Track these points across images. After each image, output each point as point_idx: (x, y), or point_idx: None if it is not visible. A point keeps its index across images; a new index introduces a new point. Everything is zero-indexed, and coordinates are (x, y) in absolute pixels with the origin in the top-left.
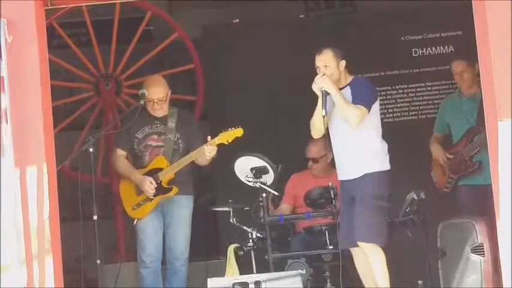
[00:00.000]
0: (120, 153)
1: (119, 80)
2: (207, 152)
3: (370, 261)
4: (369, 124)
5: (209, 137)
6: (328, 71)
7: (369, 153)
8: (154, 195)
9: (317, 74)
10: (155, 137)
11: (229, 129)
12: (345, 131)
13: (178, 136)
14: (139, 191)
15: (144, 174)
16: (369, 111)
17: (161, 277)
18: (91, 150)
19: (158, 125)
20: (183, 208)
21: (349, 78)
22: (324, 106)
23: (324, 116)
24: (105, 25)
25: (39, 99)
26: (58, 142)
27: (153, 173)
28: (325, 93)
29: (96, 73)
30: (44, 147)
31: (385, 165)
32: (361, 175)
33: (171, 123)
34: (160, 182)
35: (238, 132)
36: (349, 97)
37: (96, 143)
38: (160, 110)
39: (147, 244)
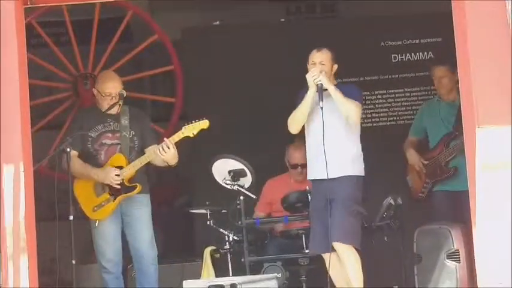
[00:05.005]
0: (73, 153)
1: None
2: (163, 153)
3: (346, 264)
4: (356, 127)
5: (165, 139)
6: (323, 68)
7: (351, 155)
8: (117, 195)
9: (305, 70)
10: (109, 135)
11: (194, 121)
12: (330, 129)
13: (133, 133)
14: (98, 191)
15: None
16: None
17: (123, 281)
18: (68, 150)
19: (111, 123)
20: (143, 206)
21: (335, 82)
22: (321, 98)
23: (321, 108)
24: (84, 25)
25: (17, 98)
26: (35, 141)
27: None
28: (321, 87)
29: (75, 72)
30: (21, 146)
31: (362, 171)
32: (340, 175)
33: (124, 121)
34: (122, 180)
35: (204, 124)
36: None
37: (74, 143)
38: (115, 107)
39: (106, 249)
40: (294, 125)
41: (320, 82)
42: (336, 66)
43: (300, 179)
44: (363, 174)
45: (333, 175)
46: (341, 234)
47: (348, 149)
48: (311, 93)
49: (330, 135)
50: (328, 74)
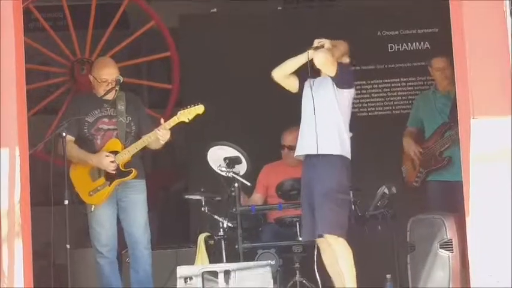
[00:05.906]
0: (69, 138)
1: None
2: (160, 136)
3: (338, 257)
4: (344, 110)
5: (162, 120)
6: (335, 50)
7: (337, 134)
8: (112, 179)
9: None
10: (106, 120)
11: (189, 106)
12: (323, 107)
13: (130, 119)
14: (94, 176)
15: None
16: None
17: (117, 266)
18: (64, 134)
19: (108, 108)
20: (139, 192)
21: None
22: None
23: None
24: (82, 10)
25: (14, 82)
26: (31, 126)
27: None
28: (320, 48)
29: (72, 58)
30: (17, 130)
31: (349, 155)
32: (325, 153)
33: (121, 106)
34: (118, 165)
35: (199, 109)
36: (331, 86)
37: (70, 128)
38: (112, 92)
39: (102, 234)
40: (278, 69)
41: (322, 43)
42: (346, 59)
43: (289, 161)
44: (349, 156)
45: (318, 151)
46: (327, 226)
47: (335, 128)
48: (311, 52)
49: (319, 114)
50: (337, 52)
